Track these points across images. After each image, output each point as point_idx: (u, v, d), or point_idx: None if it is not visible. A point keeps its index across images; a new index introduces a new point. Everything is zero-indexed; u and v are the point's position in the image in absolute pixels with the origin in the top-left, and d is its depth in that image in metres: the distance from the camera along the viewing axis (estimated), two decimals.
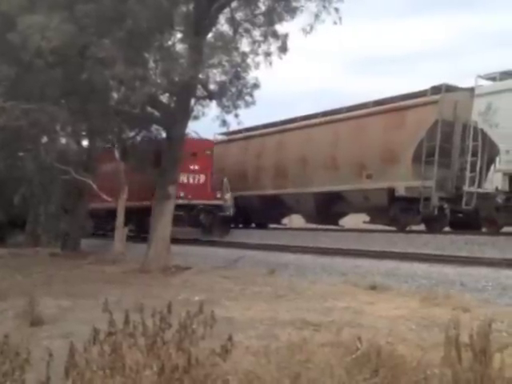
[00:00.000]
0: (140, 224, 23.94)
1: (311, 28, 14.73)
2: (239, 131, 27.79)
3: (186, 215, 23.81)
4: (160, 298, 9.39)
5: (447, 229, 22.03)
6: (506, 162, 18.72)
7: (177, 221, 19.73)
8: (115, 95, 16.22)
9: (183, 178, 23.38)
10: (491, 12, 78.22)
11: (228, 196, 25.90)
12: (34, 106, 14.78)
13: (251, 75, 15.43)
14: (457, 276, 11.51)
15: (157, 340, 3.89)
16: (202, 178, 25.82)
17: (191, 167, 25.07)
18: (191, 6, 15.18)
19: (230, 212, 25.77)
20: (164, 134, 17.53)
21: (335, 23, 14.67)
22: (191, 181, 25.41)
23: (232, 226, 27.84)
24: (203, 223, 25.07)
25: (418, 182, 20.80)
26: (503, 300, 9.63)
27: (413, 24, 77.12)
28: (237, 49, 15.17)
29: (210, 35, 15.12)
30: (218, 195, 25.61)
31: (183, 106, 15.78)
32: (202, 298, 9.42)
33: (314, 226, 27.19)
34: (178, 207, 20.18)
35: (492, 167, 19.93)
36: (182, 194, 22.74)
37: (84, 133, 20.99)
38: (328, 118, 25.18)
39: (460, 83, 21.80)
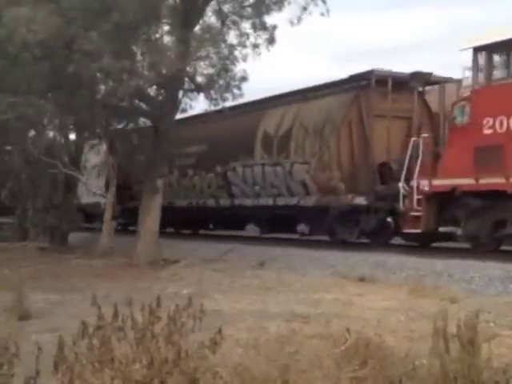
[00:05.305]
0: None
1: (299, 19, 14.77)
2: None
3: None
4: (149, 291, 9.38)
5: None
6: None
7: None
8: (102, 88, 16.16)
9: None
10: (479, 3, 78.54)
11: None
12: (21, 99, 14.70)
13: (239, 67, 15.39)
14: (444, 267, 11.55)
15: (146, 333, 3.88)
16: None
17: None
18: None
19: None
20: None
21: (322, 15, 14.73)
22: None
23: None
24: None
25: None
26: (490, 291, 9.69)
27: (401, 17, 77.33)
28: (224, 41, 15.13)
29: (197, 27, 15.06)
30: None
31: (171, 99, 15.72)
32: (191, 291, 9.44)
33: None
34: None
35: None
36: None
37: (71, 126, 20.87)
38: None
39: (448, 75, 21.75)
